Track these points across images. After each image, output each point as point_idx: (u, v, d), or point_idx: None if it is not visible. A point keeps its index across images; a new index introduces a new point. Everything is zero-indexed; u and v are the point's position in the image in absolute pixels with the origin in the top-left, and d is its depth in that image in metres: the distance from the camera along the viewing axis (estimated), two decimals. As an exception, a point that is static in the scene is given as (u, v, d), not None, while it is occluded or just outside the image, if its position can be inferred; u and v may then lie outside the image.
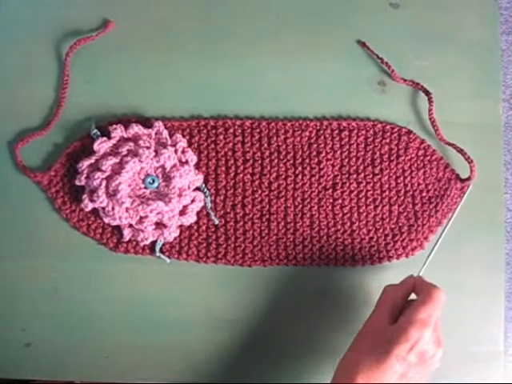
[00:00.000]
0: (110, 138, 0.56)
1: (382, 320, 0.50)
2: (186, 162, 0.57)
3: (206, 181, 0.59)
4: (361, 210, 0.59)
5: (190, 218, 0.57)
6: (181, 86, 0.60)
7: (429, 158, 0.60)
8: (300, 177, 0.59)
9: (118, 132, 0.56)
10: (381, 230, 0.59)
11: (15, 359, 0.57)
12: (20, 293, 0.58)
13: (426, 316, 0.48)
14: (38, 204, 0.58)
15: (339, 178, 0.60)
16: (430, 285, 0.51)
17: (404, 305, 0.52)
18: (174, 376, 0.58)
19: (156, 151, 0.56)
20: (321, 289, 0.59)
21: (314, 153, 0.60)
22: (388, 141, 0.60)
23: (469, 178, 0.59)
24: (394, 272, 0.59)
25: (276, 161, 0.59)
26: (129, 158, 0.55)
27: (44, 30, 0.61)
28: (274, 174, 0.59)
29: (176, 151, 0.57)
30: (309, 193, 0.59)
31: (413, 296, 0.53)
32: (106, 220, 0.56)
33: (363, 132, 0.60)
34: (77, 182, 0.56)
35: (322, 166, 0.59)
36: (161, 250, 0.58)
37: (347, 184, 0.59)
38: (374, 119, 0.61)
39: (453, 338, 0.58)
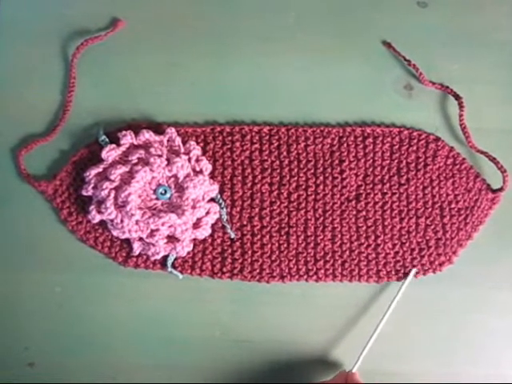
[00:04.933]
0: (119, 145, 0.55)
1: None
2: (201, 172, 0.55)
3: (221, 191, 0.57)
4: (386, 223, 0.57)
5: (204, 232, 0.55)
6: (194, 90, 0.59)
7: (458, 167, 0.58)
8: (321, 187, 0.57)
9: (127, 139, 0.55)
10: (407, 244, 0.57)
11: (17, 379, 0.56)
12: (23, 309, 0.56)
13: None
14: (43, 215, 0.57)
15: (363, 188, 0.57)
16: None
17: None
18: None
19: (168, 160, 0.54)
20: (343, 306, 0.56)
21: (337, 161, 0.57)
22: (415, 148, 0.58)
23: (501, 189, 0.57)
24: (420, 288, 0.56)
25: (296, 170, 0.57)
26: (139, 167, 0.53)
27: (49, 29, 0.60)
28: (294, 184, 0.57)
29: (189, 160, 0.55)
30: (331, 204, 0.57)
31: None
32: (115, 233, 0.54)
33: (388, 139, 0.58)
34: (83, 192, 0.54)
35: (344, 176, 0.57)
36: (173, 265, 0.56)
37: (371, 195, 0.57)
38: (400, 125, 0.59)
39: (481, 359, 0.56)
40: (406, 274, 0.56)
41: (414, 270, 0.56)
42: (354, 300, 0.56)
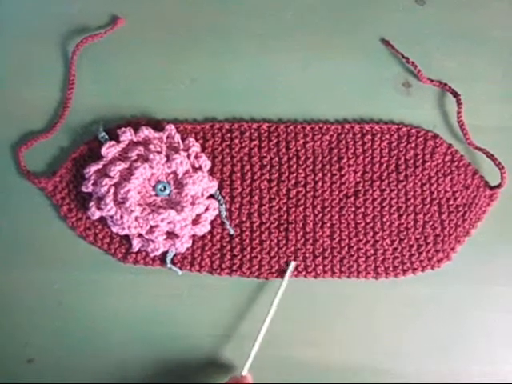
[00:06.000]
0: (118, 141, 0.55)
1: None
2: (200, 168, 0.55)
3: (220, 188, 0.57)
4: (384, 219, 0.57)
5: (203, 228, 0.55)
6: (194, 87, 0.59)
7: (456, 163, 0.58)
8: (320, 184, 0.57)
9: (127, 135, 0.55)
10: (405, 241, 0.57)
11: (17, 375, 0.56)
12: (22, 306, 0.56)
13: None
14: (42, 211, 0.57)
15: (361, 184, 0.57)
16: None
17: None
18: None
19: (167, 156, 0.54)
20: (342, 302, 0.56)
21: (335, 158, 0.57)
22: (413, 145, 0.58)
23: (499, 186, 0.57)
24: (418, 285, 0.56)
25: (295, 166, 0.57)
26: (139, 164, 0.53)
27: (49, 26, 0.60)
28: (293, 181, 0.57)
29: (189, 156, 0.55)
30: (329, 201, 0.57)
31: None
32: (114, 229, 0.54)
33: (387, 136, 0.58)
34: (83, 189, 0.54)
35: (343, 173, 0.57)
36: (172, 262, 0.56)
37: (370, 191, 0.57)
38: (399, 122, 0.59)
39: (478, 356, 0.56)
40: (404, 271, 0.56)
41: (292, 263, 0.55)
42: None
